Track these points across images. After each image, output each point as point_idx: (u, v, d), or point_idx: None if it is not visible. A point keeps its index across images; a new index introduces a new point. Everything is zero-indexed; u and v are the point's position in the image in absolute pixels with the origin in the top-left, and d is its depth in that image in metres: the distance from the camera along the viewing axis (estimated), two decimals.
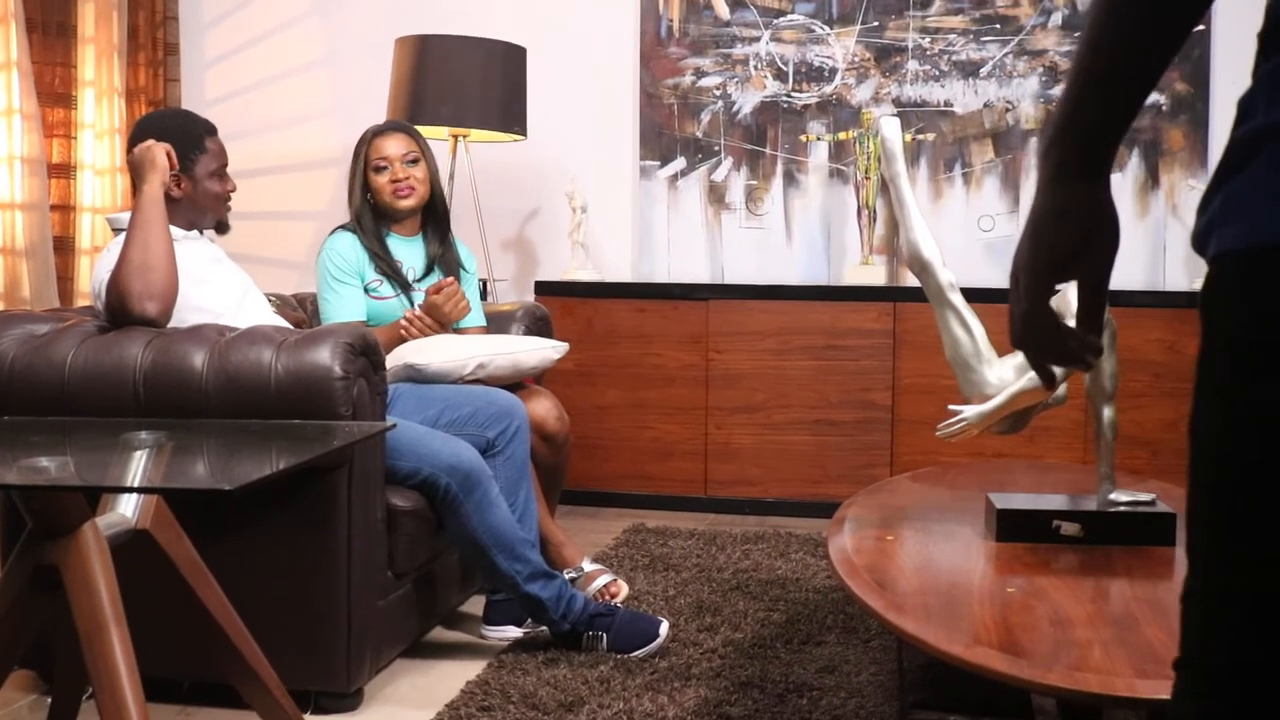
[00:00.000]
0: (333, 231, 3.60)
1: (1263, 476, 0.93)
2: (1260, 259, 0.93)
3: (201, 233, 3.10)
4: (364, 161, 3.58)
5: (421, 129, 3.83)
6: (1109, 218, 1.07)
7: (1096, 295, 1.12)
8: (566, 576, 3.21)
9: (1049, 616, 2.06)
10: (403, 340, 3.40)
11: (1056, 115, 1.06)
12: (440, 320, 3.40)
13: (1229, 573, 0.97)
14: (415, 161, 3.58)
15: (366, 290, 3.50)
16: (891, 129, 2.80)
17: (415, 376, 3.30)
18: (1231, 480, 0.96)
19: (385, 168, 3.55)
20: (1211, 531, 0.98)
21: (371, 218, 3.59)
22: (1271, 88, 0.94)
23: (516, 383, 3.49)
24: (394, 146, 3.57)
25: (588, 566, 3.44)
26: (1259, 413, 0.93)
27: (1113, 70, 1.03)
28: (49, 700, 2.54)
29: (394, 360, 3.30)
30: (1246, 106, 0.97)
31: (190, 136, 3.00)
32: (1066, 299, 2.50)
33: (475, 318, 3.67)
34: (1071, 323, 1.14)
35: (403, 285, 3.54)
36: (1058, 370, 2.68)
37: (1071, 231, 1.07)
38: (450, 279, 3.44)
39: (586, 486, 4.85)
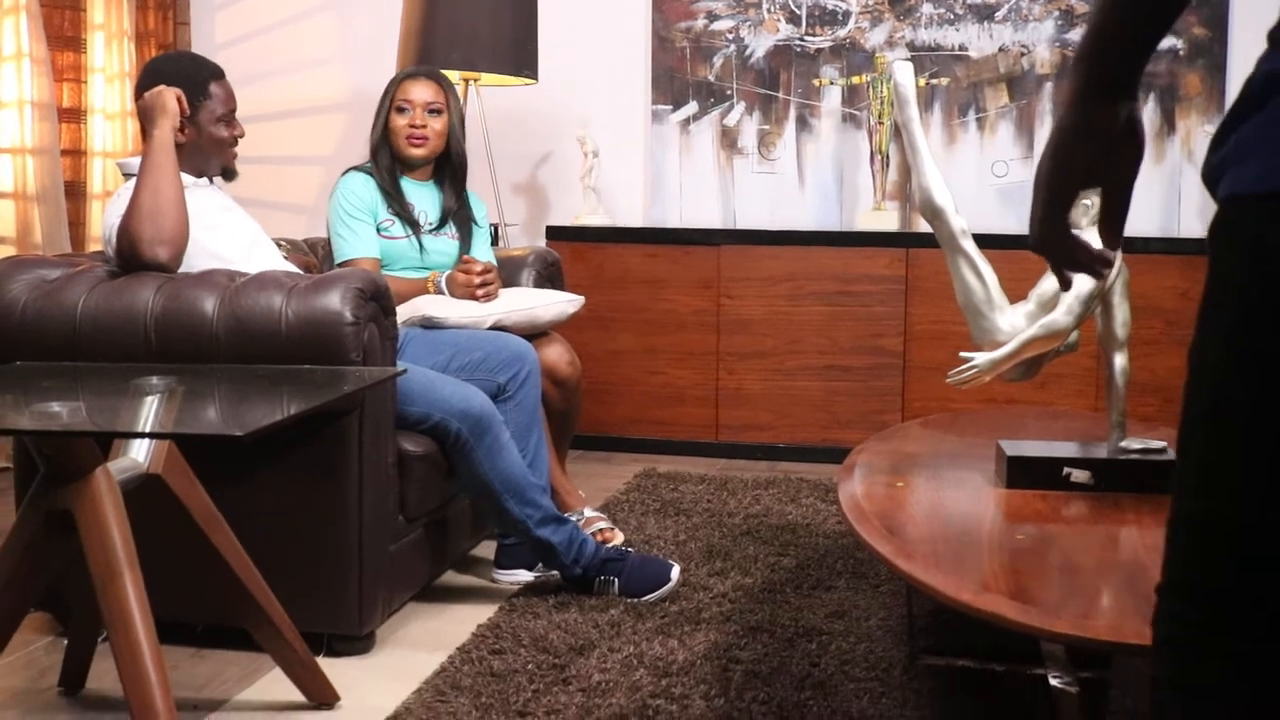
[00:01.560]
0: (345, 172, 3.59)
1: (1258, 415, 0.97)
2: (1271, 205, 0.94)
3: (211, 180, 3.09)
4: (389, 99, 3.58)
5: None
6: (1134, 134, 1.09)
7: (1118, 205, 1.15)
8: None
9: (1059, 563, 2.06)
10: (424, 292, 3.40)
11: (1086, 31, 1.07)
12: (454, 288, 3.39)
13: (1217, 502, 1.00)
14: (437, 113, 3.57)
15: (378, 229, 3.50)
16: (904, 74, 2.78)
17: (431, 327, 3.31)
18: (1228, 417, 0.99)
19: (407, 110, 3.54)
20: (1203, 463, 1.02)
21: (388, 155, 3.58)
22: None
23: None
24: (420, 92, 3.56)
25: (587, 512, 3.45)
26: (1260, 355, 0.96)
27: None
28: (65, 642, 2.57)
29: (411, 311, 3.30)
30: (1276, 38, 0.97)
31: (195, 81, 2.98)
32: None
33: (483, 258, 3.66)
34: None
35: (414, 226, 3.53)
36: (1075, 300, 2.67)
37: (1095, 147, 1.09)
38: (492, 273, 3.43)
39: (598, 431, 4.86)
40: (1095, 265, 1.18)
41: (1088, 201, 2.76)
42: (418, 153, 3.55)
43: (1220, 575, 1.02)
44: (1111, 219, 1.16)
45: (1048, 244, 1.17)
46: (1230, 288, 0.99)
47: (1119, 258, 2.60)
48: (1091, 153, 1.10)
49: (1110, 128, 1.09)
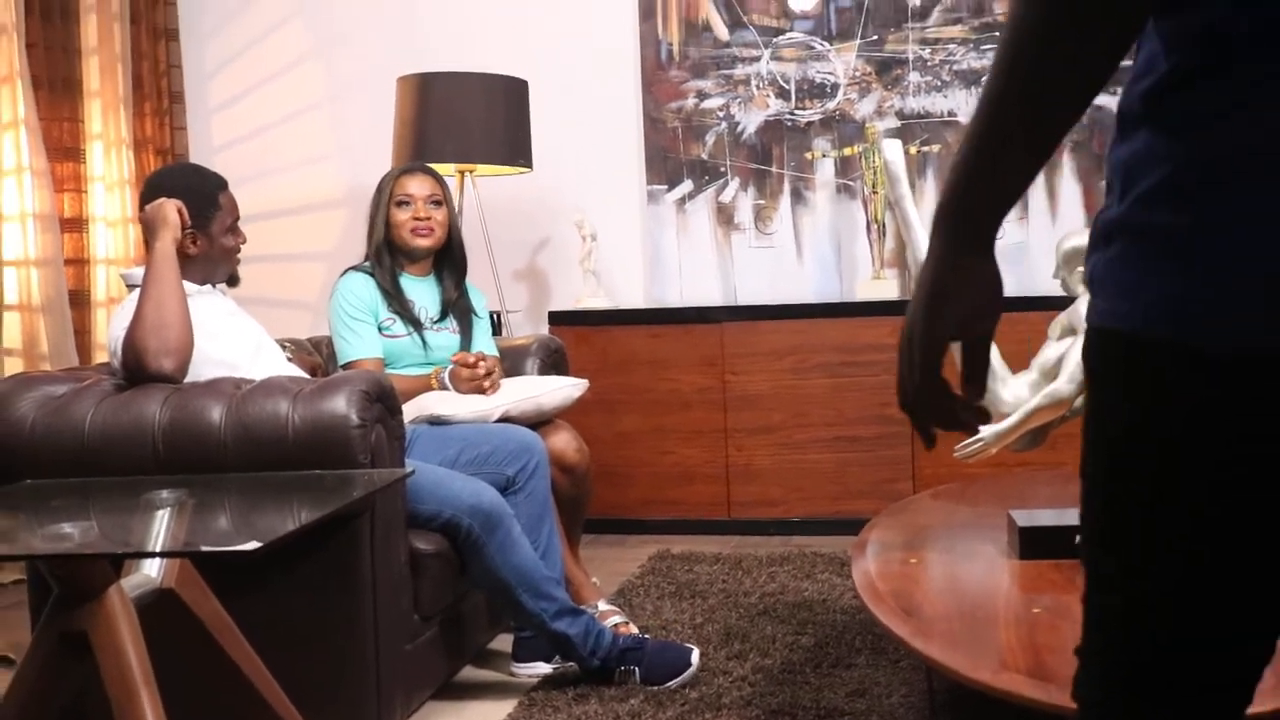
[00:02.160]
0: (344, 273, 3.62)
1: (1119, 516, 1.13)
2: (1114, 343, 1.07)
3: (214, 286, 3.12)
4: (387, 196, 3.61)
5: None
6: (998, 287, 1.13)
7: (983, 356, 1.18)
8: None
9: (1076, 636, 2.05)
10: (429, 389, 3.42)
11: (948, 194, 1.10)
12: (456, 383, 3.40)
13: (1093, 586, 1.18)
14: (438, 204, 3.62)
15: (380, 329, 3.52)
16: (894, 152, 2.81)
17: (438, 424, 3.32)
18: (1108, 513, 1.16)
19: (408, 203, 3.58)
20: (1097, 538, 1.18)
21: (389, 254, 3.60)
22: (1126, 178, 1.04)
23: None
24: (419, 186, 3.60)
25: (602, 606, 3.42)
26: (1110, 470, 1.14)
27: (998, 162, 1.07)
28: None
29: (418, 410, 3.31)
30: (1108, 179, 1.08)
31: (204, 195, 3.02)
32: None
33: (485, 350, 3.67)
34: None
35: (415, 324, 3.55)
36: (1078, 367, 2.67)
37: (969, 302, 1.12)
38: (489, 361, 3.46)
39: (610, 515, 4.84)
40: (971, 419, 1.20)
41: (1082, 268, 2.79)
42: (424, 243, 3.59)
43: (1126, 646, 1.13)
44: (977, 371, 1.19)
45: (924, 403, 1.17)
46: (1093, 402, 1.14)
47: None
48: (964, 309, 1.13)
49: (981, 284, 1.12)
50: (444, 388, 3.42)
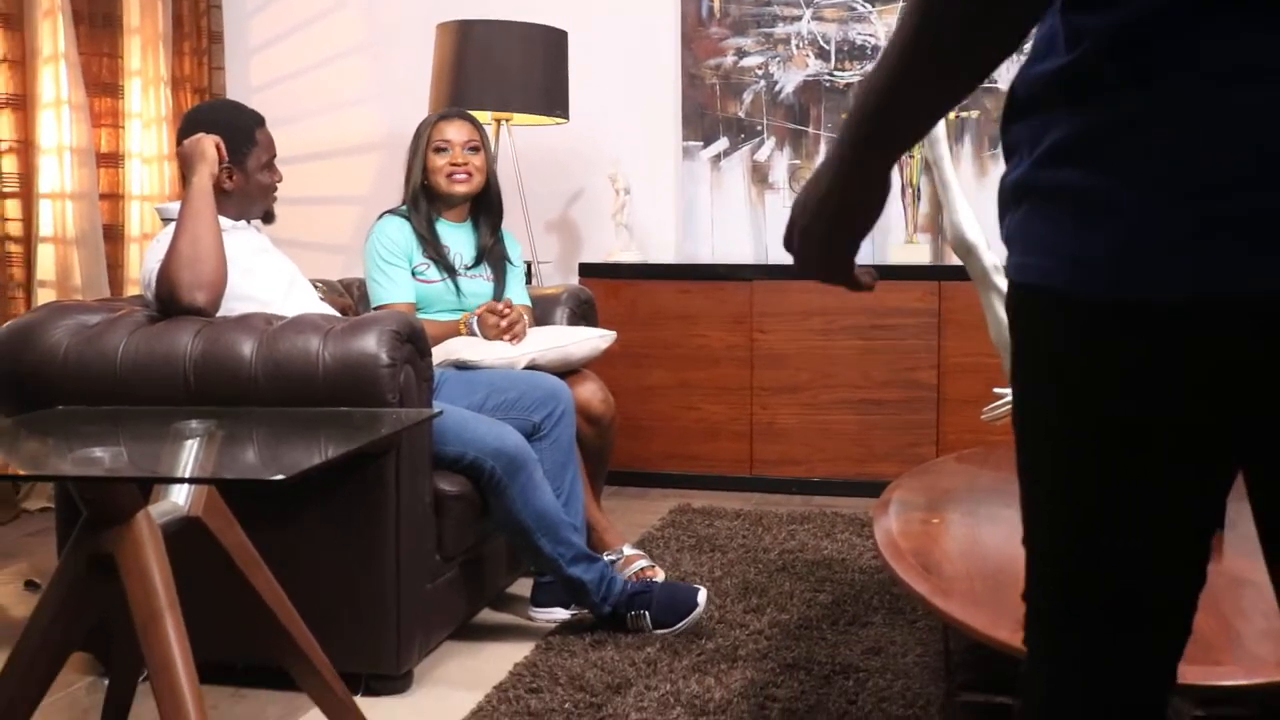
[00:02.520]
0: (380, 216, 3.63)
1: (1045, 464, 1.19)
2: (1024, 295, 1.14)
3: (249, 222, 3.13)
4: (425, 141, 3.61)
5: None
6: (889, 189, 1.22)
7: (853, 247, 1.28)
8: (607, 559, 3.22)
9: None
10: (458, 334, 3.43)
11: (869, 90, 1.14)
12: (484, 330, 3.41)
13: (1036, 541, 1.23)
14: (475, 150, 3.62)
15: (413, 273, 3.53)
16: None
17: (465, 369, 3.34)
18: (1028, 463, 1.22)
19: (446, 149, 3.59)
20: (1024, 500, 1.23)
21: (426, 199, 3.61)
22: (1033, 144, 1.11)
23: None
24: (457, 132, 3.60)
25: (627, 550, 3.45)
26: (1034, 417, 1.19)
27: (902, 98, 1.13)
28: (106, 682, 2.59)
29: (445, 354, 3.32)
30: (1010, 147, 1.15)
31: (241, 130, 3.03)
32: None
33: (520, 301, 3.68)
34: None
35: (449, 270, 3.56)
36: None
37: (873, 195, 1.20)
38: (515, 310, 3.46)
39: (632, 467, 4.86)
40: (866, 281, 1.33)
41: None
42: (462, 189, 3.59)
43: (1049, 593, 1.23)
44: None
45: (832, 273, 1.30)
46: (1014, 347, 1.19)
47: None
48: (875, 194, 1.21)
49: (885, 185, 1.21)
50: (472, 333, 3.43)
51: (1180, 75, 1.02)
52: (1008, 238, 1.16)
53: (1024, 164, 1.13)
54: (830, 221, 1.23)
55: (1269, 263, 1.01)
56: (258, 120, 3.10)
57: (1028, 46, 1.14)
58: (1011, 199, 1.15)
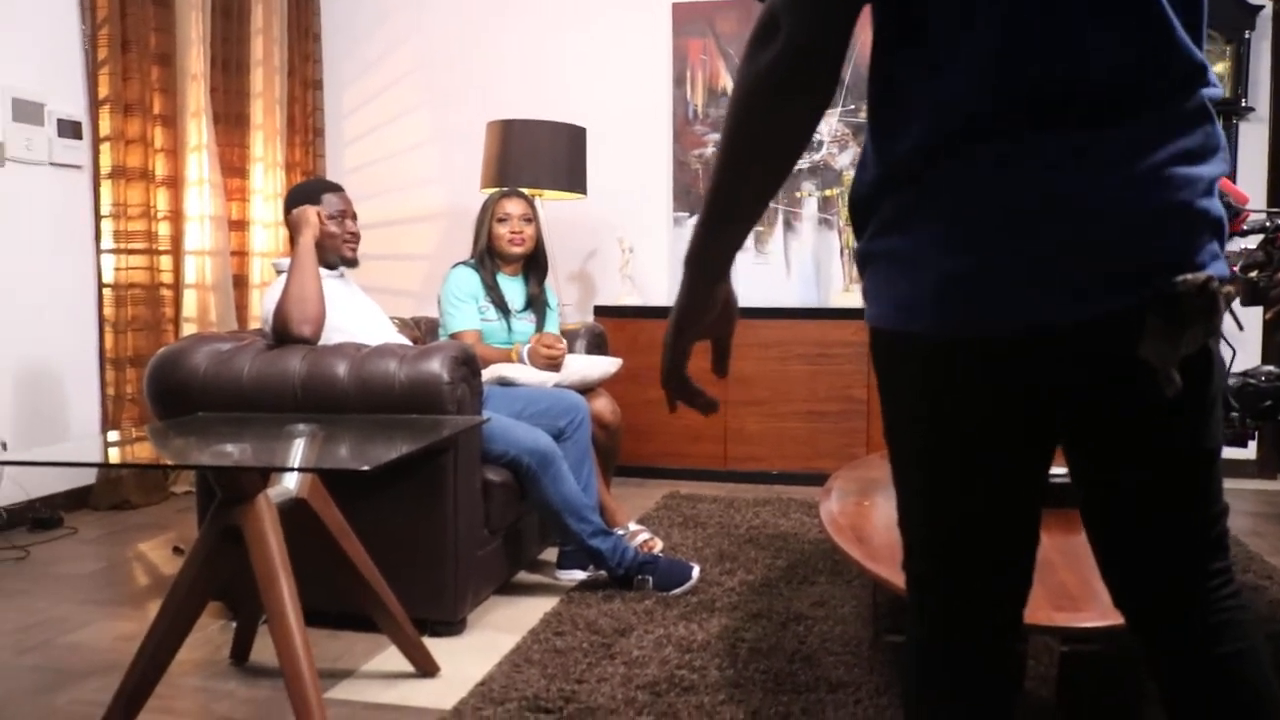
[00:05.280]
0: (454, 266, 3.62)
1: (907, 473, 1.23)
2: (875, 336, 1.18)
3: (342, 274, 3.14)
4: (490, 214, 3.61)
5: None
6: (731, 305, 1.24)
7: (723, 351, 1.30)
8: (618, 533, 3.21)
9: None
10: (509, 360, 3.43)
11: (694, 244, 1.19)
12: (534, 359, 3.41)
13: (906, 523, 1.27)
14: (529, 221, 3.62)
15: (478, 312, 3.53)
16: None
17: (506, 385, 3.34)
18: (899, 471, 1.24)
19: (506, 220, 3.59)
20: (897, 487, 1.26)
21: (490, 258, 3.62)
22: (867, 225, 1.15)
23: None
24: (515, 207, 3.61)
25: (632, 526, 3.45)
26: (893, 435, 1.22)
27: (724, 220, 1.17)
28: (234, 625, 2.61)
29: (493, 373, 3.33)
30: (856, 230, 1.18)
31: (310, 195, 3.04)
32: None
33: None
34: None
35: (505, 312, 3.56)
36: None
37: (706, 316, 1.22)
38: (563, 346, 3.44)
39: (635, 463, 4.85)
40: (704, 403, 1.29)
41: None
42: (518, 251, 3.60)
43: (919, 561, 1.26)
44: (720, 360, 1.30)
45: (672, 386, 1.27)
46: (879, 388, 1.22)
47: None
48: (703, 322, 1.23)
49: (714, 305, 1.22)
50: (521, 361, 3.42)
51: (942, 174, 1.07)
52: (862, 294, 1.20)
53: (863, 240, 1.17)
54: (675, 325, 1.23)
55: (1020, 302, 1.06)
56: (330, 187, 3.09)
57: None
58: (860, 266, 1.18)
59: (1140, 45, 1.05)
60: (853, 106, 5.14)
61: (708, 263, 1.19)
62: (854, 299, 4.95)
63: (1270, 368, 2.20)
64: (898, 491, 1.26)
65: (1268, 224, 2.14)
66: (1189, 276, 1.03)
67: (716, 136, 5.29)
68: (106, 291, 4.28)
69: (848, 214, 1.21)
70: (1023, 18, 1.04)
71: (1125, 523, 1.20)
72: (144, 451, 2.38)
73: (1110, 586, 1.26)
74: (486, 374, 3.27)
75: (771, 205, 5.16)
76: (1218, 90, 1.11)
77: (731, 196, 1.14)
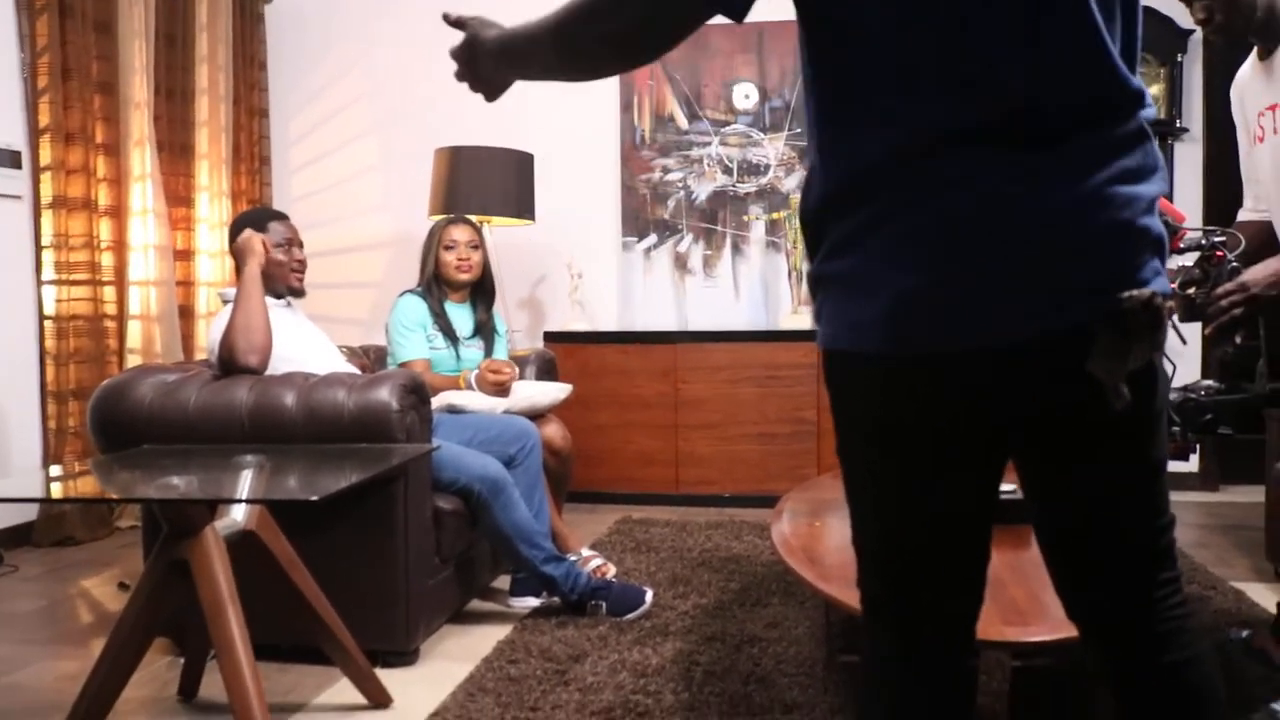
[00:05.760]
0: (401, 294, 3.60)
1: (863, 487, 1.25)
2: (828, 357, 1.20)
3: (289, 303, 3.11)
4: (436, 241, 3.60)
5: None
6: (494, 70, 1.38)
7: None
8: (570, 559, 3.20)
9: None
10: (457, 387, 3.41)
11: (512, 41, 1.31)
12: (482, 385, 3.39)
13: (859, 542, 1.30)
14: (476, 248, 3.61)
15: (426, 340, 3.51)
16: None
17: (455, 410, 3.32)
18: (852, 491, 1.27)
19: (453, 247, 3.58)
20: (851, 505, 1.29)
21: (438, 285, 3.60)
22: (818, 248, 1.18)
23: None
24: (461, 234, 3.60)
25: (585, 552, 3.44)
26: (845, 452, 1.26)
27: (538, 61, 1.29)
28: (182, 660, 2.56)
29: (442, 400, 3.32)
30: (808, 251, 1.21)
31: (258, 223, 3.02)
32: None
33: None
34: None
35: (453, 339, 3.55)
36: None
37: (496, 73, 1.38)
38: (512, 371, 3.43)
39: (587, 488, 4.84)
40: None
41: None
42: (465, 277, 3.59)
43: (873, 579, 1.29)
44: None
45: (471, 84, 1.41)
46: (831, 408, 1.25)
47: None
48: (491, 73, 1.37)
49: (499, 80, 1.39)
50: (470, 387, 3.41)
51: (891, 194, 1.09)
52: (814, 316, 1.23)
53: (815, 262, 1.19)
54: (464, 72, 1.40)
55: (970, 321, 1.08)
56: (274, 215, 3.07)
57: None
58: (812, 288, 1.21)
59: (1080, 70, 1.08)
60: (798, 130, 5.20)
61: (522, 64, 1.31)
62: (803, 321, 4.99)
63: (1210, 382, 2.24)
64: (851, 510, 1.27)
65: (1204, 241, 2.19)
66: (1134, 293, 1.05)
67: (664, 162, 5.32)
68: (48, 323, 4.20)
69: (800, 235, 1.25)
70: (963, 42, 1.06)
71: (1076, 535, 1.22)
72: (88, 486, 2.34)
73: (1063, 598, 1.28)
74: (435, 402, 3.25)
75: (720, 229, 5.22)
76: (1153, 111, 1.14)
77: (564, 56, 1.24)
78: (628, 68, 1.24)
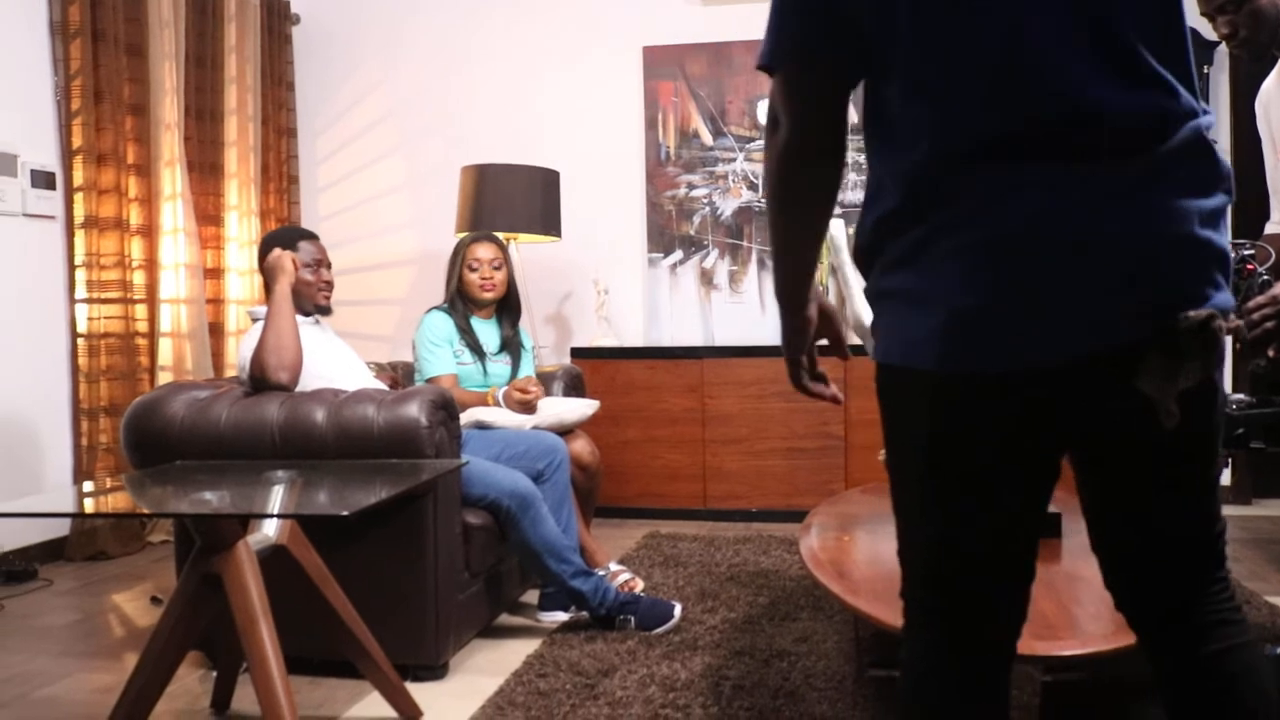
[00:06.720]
0: (428, 311, 3.62)
1: (910, 501, 1.26)
2: (882, 371, 1.23)
3: (318, 321, 3.14)
4: (460, 259, 3.62)
5: None
6: (827, 313, 1.45)
7: (837, 344, 1.52)
8: (599, 573, 3.21)
9: None
10: (485, 404, 3.43)
11: (774, 281, 1.37)
12: (509, 403, 3.41)
13: (904, 553, 1.30)
14: (499, 267, 3.62)
15: (452, 355, 3.53)
16: (837, 228, 2.84)
17: (483, 426, 3.34)
18: (898, 504, 1.29)
19: (477, 268, 3.59)
20: (898, 513, 1.30)
21: (462, 302, 3.62)
22: (876, 264, 1.21)
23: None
24: (485, 252, 3.61)
25: (613, 566, 3.44)
26: (898, 466, 1.27)
27: (786, 263, 1.34)
28: (214, 674, 2.58)
29: (469, 416, 3.33)
30: (864, 269, 1.25)
31: (289, 241, 3.04)
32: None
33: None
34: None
35: (479, 354, 3.57)
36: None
37: (805, 335, 1.40)
38: (539, 389, 3.44)
39: (614, 504, 4.85)
40: (831, 397, 1.49)
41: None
42: (488, 296, 3.60)
43: (918, 591, 1.28)
44: (837, 348, 1.53)
45: (797, 387, 1.47)
46: (882, 420, 1.28)
47: None
48: (805, 340, 1.41)
49: (808, 325, 1.40)
50: (497, 404, 3.43)
51: (950, 210, 1.10)
52: (870, 330, 1.28)
53: (870, 277, 1.22)
54: (785, 349, 1.42)
55: (1030, 339, 1.08)
56: (303, 235, 3.09)
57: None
58: (870, 301, 1.24)
59: (1131, 81, 1.07)
60: None
61: (786, 294, 1.36)
62: None
63: (1241, 396, 2.23)
64: (898, 522, 1.27)
65: (1233, 255, 2.18)
66: (1191, 314, 1.04)
67: (689, 178, 5.34)
68: (80, 341, 4.26)
69: (853, 254, 1.28)
70: (1015, 54, 1.07)
71: (1130, 544, 1.23)
72: (120, 501, 2.36)
73: (1115, 593, 1.28)
74: (465, 417, 3.27)
75: (746, 245, 5.22)
76: (1212, 119, 1.13)
77: (779, 240, 1.31)
78: (826, 194, 1.26)
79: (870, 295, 1.21)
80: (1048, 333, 1.07)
